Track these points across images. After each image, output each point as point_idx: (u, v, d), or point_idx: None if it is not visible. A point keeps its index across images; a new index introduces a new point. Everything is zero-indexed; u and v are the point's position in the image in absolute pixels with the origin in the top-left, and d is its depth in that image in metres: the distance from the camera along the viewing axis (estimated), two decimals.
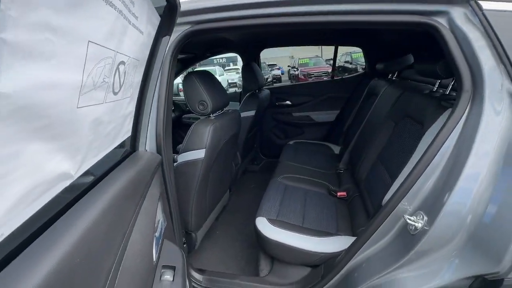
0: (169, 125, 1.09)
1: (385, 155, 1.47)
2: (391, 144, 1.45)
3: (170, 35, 0.82)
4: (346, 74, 9.53)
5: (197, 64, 3.06)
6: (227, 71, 14.47)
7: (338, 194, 1.70)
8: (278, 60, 15.69)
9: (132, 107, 0.71)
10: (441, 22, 0.84)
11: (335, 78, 3.12)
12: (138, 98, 0.74)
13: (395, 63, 1.99)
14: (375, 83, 2.24)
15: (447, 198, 0.77)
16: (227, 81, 13.02)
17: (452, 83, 1.15)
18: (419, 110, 1.27)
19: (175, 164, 1.32)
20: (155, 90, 0.92)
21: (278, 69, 15.03)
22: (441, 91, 1.31)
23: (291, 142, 2.58)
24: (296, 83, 9.84)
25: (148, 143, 0.99)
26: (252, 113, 2.17)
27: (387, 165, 1.39)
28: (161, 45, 0.78)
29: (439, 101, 1.13)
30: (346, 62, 11.53)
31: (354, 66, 10.76)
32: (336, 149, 2.47)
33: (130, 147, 0.85)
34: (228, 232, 1.93)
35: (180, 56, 2.71)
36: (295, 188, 1.72)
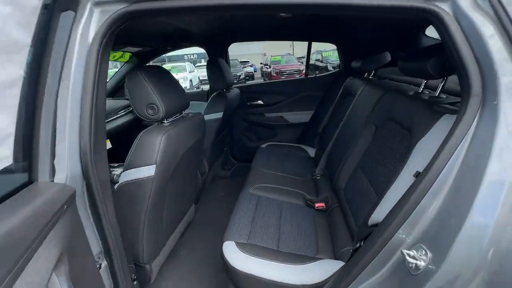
0: (101, 137, 0.82)
1: (367, 163, 1.32)
2: (372, 151, 1.31)
3: (75, 11, 0.55)
4: (317, 72, 9.59)
5: (166, 60, 2.73)
6: (198, 67, 14.01)
7: (316, 205, 1.54)
8: (251, 57, 15.62)
9: (5, 122, 0.44)
10: (443, 8, 0.68)
11: (308, 77, 2.98)
12: (21, 106, 0.46)
13: (372, 61, 1.86)
14: (351, 82, 2.11)
15: (458, 229, 0.61)
16: (198, 78, 12.60)
17: (442, 84, 1.02)
18: (404, 114, 1.13)
19: (116, 185, 1.04)
20: (70, 90, 0.64)
21: (251, 66, 14.96)
22: (428, 92, 1.18)
23: (264, 145, 2.40)
24: (269, 81, 9.73)
25: (67, 166, 0.71)
26: (219, 115, 1.92)
27: (369, 175, 1.24)
28: (60, 24, 0.51)
29: (430, 105, 0.98)
30: (317, 60, 11.63)
31: (324, 65, 10.88)
32: (311, 152, 2.33)
33: (27, 177, 0.58)
34: (194, 252, 1.68)
35: (135, 50, 2.37)
36: (268, 200, 1.52)
